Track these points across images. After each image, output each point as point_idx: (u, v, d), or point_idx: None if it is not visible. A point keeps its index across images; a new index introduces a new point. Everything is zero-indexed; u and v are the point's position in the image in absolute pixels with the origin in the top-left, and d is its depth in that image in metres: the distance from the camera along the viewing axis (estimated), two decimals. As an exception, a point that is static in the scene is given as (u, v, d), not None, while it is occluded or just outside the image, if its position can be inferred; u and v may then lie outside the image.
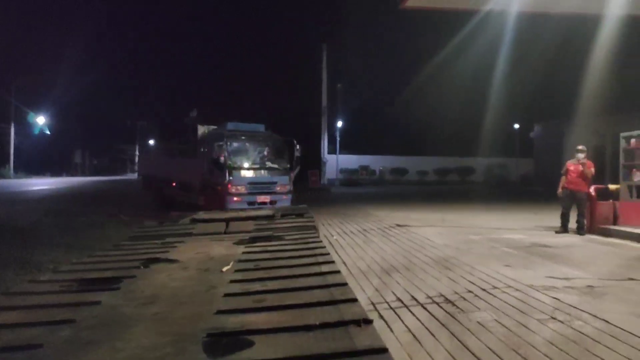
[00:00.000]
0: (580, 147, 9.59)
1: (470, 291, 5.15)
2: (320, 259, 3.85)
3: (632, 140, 9.37)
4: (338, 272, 3.37)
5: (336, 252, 7.97)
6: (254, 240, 5.29)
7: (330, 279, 3.16)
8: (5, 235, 8.92)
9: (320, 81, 33.31)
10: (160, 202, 16.03)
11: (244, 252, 4.50)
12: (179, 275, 3.56)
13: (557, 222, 10.79)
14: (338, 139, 36.44)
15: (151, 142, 43.11)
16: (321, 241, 5.49)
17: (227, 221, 7.20)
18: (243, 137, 13.02)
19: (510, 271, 6.04)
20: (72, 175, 52.18)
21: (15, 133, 41.37)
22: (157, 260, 4.12)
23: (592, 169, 9.34)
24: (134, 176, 54.75)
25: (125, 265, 4.02)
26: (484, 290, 5.18)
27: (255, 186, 12.50)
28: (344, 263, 6.98)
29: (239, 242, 5.23)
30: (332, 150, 36.45)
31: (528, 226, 10.89)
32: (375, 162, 39.85)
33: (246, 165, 12.73)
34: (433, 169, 41.33)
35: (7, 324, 2.50)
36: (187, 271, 3.70)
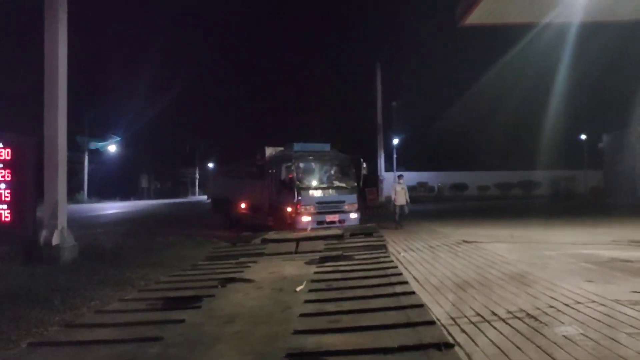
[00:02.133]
0: None
1: (552, 306, 5.12)
2: (393, 279, 4.01)
3: None
4: (413, 292, 3.52)
5: (405, 268, 8.04)
6: (324, 260, 5.53)
7: (405, 301, 3.30)
8: (97, 257, 9.67)
9: (375, 99, 33.54)
10: (230, 223, 16.67)
11: (315, 272, 4.75)
12: (255, 294, 3.84)
13: (633, 235, 10.32)
14: (395, 155, 36.34)
15: (211, 165, 44.61)
16: (392, 260, 5.66)
17: (297, 241, 7.50)
18: (310, 157, 13.35)
19: (592, 286, 5.91)
20: (139, 199, 55.01)
21: (88, 161, 44.51)
22: (233, 280, 4.44)
23: None
24: (195, 198, 56.93)
25: (204, 284, 4.37)
26: (566, 305, 5.12)
27: (324, 205, 12.74)
28: (416, 279, 7.06)
29: (310, 262, 5.49)
30: (389, 168, 36.40)
31: (604, 240, 10.46)
32: (434, 178, 39.32)
33: (314, 185, 13.03)
34: (494, 183, 40.15)
35: (101, 340, 2.84)
36: (262, 291, 3.97)
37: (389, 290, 3.63)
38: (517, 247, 9.85)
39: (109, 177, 50.45)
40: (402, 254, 9.67)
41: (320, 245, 7.09)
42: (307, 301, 3.50)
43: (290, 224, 12.47)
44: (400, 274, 4.24)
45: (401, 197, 15.04)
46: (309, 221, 12.48)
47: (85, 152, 44.42)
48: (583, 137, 42.56)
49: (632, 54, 25.09)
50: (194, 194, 68.49)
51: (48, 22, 9.13)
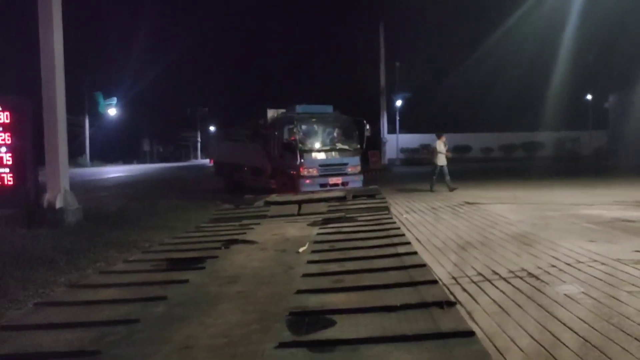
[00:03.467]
0: None
1: (553, 265, 5.15)
2: (396, 240, 3.99)
3: None
4: (415, 253, 3.50)
5: (408, 230, 8.09)
6: (327, 221, 5.53)
7: (408, 260, 3.28)
8: (101, 220, 9.73)
9: (378, 60, 33.00)
10: (232, 186, 16.69)
11: (318, 234, 4.74)
12: (258, 255, 3.85)
13: (636, 195, 10.31)
14: (398, 118, 36.01)
15: (212, 128, 44.38)
16: (395, 222, 5.67)
17: (300, 203, 7.49)
18: (313, 119, 13.20)
19: (594, 246, 5.93)
20: (142, 162, 55.14)
21: (89, 124, 44.32)
22: (236, 242, 4.46)
23: None
24: (197, 162, 57.01)
25: (208, 246, 4.38)
26: (568, 264, 5.15)
27: (327, 168, 12.69)
28: (418, 240, 7.11)
29: (313, 224, 5.49)
30: (391, 130, 36.15)
31: (607, 201, 10.45)
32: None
33: (317, 147, 12.94)
34: (498, 145, 39.91)
35: (106, 300, 2.85)
36: (265, 252, 3.98)
37: (392, 250, 3.62)
38: (520, 208, 9.87)
39: (111, 141, 50.43)
40: (404, 216, 9.71)
41: (322, 207, 7.10)
42: (309, 262, 3.51)
43: (293, 186, 12.48)
44: (403, 235, 4.23)
45: (442, 157, 14.10)
46: (311, 183, 12.48)
47: (85, 115, 44.15)
48: (589, 97, 41.96)
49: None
50: (196, 157, 68.54)
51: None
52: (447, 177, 13.90)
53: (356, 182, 13.15)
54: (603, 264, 5.07)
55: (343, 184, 12.87)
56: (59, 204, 8.88)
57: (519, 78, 39.55)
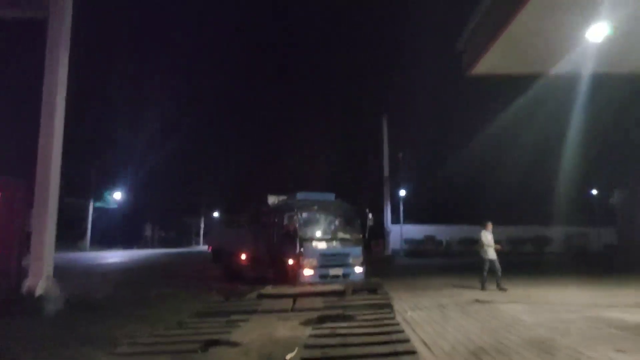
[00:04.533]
0: None
1: (582, 381, 4.46)
2: (399, 347, 3.40)
3: None
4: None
5: (413, 329, 7.37)
6: (322, 320, 4.92)
7: None
8: (84, 310, 9.09)
9: (381, 151, 33.53)
10: (231, 274, 16.03)
11: (310, 335, 4.14)
12: None
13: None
14: (402, 208, 35.79)
15: (216, 214, 44.38)
16: (398, 323, 5.05)
17: (295, 297, 6.88)
18: (314, 207, 12.85)
19: (624, 357, 5.24)
20: (142, 247, 54.39)
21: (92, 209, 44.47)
22: (217, 343, 3.89)
23: None
24: (199, 248, 56.23)
25: (185, 347, 3.81)
26: (599, 381, 4.47)
27: (328, 258, 12.11)
28: (424, 343, 6.39)
29: (306, 322, 4.89)
30: (395, 221, 35.75)
31: (629, 302, 9.71)
32: (442, 232, 38.48)
33: (318, 236, 12.47)
34: (505, 238, 39.19)
35: None
36: (248, 357, 3.42)
37: None
38: (534, 309, 9.13)
39: (113, 226, 50.14)
40: (409, 313, 8.97)
41: (319, 302, 6.46)
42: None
43: (292, 277, 11.84)
44: (408, 341, 3.61)
45: (492, 250, 12.36)
46: (311, 275, 11.84)
47: (90, 201, 44.39)
48: (594, 192, 41.92)
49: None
50: (198, 243, 67.74)
51: (49, 60, 9.03)
52: (499, 274, 12.17)
53: (358, 274, 12.49)
54: (641, 381, 4.39)
55: (344, 275, 12.22)
56: (39, 291, 8.31)
57: (526, 171, 39.79)
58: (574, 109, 24.85)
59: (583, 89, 17.04)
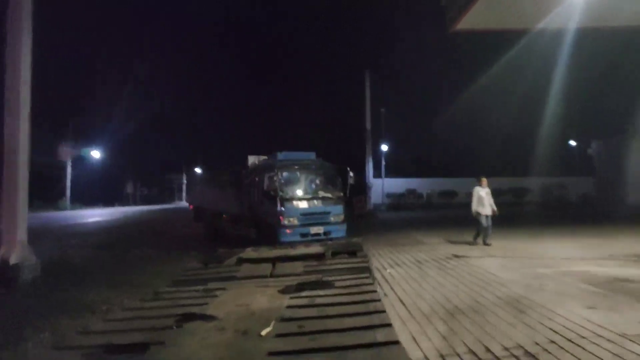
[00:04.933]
0: None
1: (553, 341, 4.58)
2: (376, 319, 3.38)
3: None
4: (397, 342, 2.91)
5: (392, 288, 7.50)
6: (301, 287, 4.90)
7: (387, 354, 2.70)
8: (62, 276, 9.00)
9: (364, 106, 33.13)
10: (213, 234, 16.01)
11: (288, 306, 4.10)
12: (213, 339, 3.21)
13: (630, 248, 9.95)
14: (383, 162, 35.94)
15: (197, 170, 44.04)
16: (376, 290, 5.10)
17: (274, 262, 6.85)
18: (294, 167, 12.71)
19: (594, 315, 5.38)
20: (124, 205, 54.03)
21: (72, 167, 43.64)
22: (193, 317, 3.82)
23: None
24: (182, 204, 56.06)
25: (158, 324, 3.73)
26: (569, 340, 4.58)
27: (309, 217, 12.11)
28: (403, 303, 6.51)
29: (285, 290, 4.87)
30: (377, 175, 35.94)
31: (601, 255, 9.99)
32: (423, 185, 38.88)
33: (298, 195, 12.40)
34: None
35: None
36: (223, 334, 3.35)
37: (370, 336, 2.99)
38: (510, 263, 9.33)
39: (94, 184, 49.52)
40: (388, 270, 9.11)
41: (299, 267, 6.46)
42: (271, 353, 2.88)
43: (273, 236, 11.87)
44: (384, 312, 3.59)
45: (487, 206, 12.04)
46: (292, 234, 11.89)
47: (68, 159, 43.48)
48: (573, 143, 42.50)
49: (628, 59, 24.93)
50: (180, 199, 67.52)
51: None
52: (489, 230, 12.02)
53: (339, 232, 12.58)
54: (608, 340, 4.50)
55: (325, 233, 12.29)
56: (13, 260, 8.15)
57: (507, 123, 40.04)
58: (555, 63, 24.75)
59: (565, 43, 16.87)
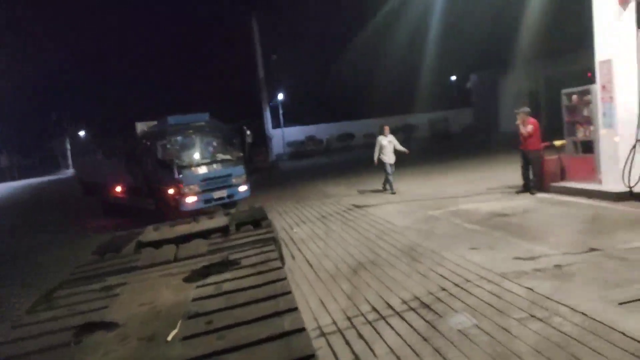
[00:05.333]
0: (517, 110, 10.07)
1: (443, 289, 5.08)
2: (282, 302, 3.48)
3: (574, 97, 9.58)
4: (303, 329, 3.05)
5: (299, 249, 7.76)
6: (206, 272, 4.85)
7: (295, 343, 2.83)
8: None
9: (254, 54, 32.24)
10: (108, 209, 15.09)
11: (194, 299, 4.06)
12: (116, 353, 3.08)
13: (504, 179, 11.16)
14: (281, 111, 35.76)
15: (82, 133, 40.51)
16: (282, 268, 5.18)
17: (177, 243, 6.66)
18: (188, 131, 12.13)
19: (477, 256, 6.02)
20: (1, 181, 48.61)
21: None
22: (93, 327, 3.58)
23: (530, 127, 9.65)
24: (68, 173, 51.74)
25: (53, 341, 3.44)
26: (457, 285, 5.11)
27: (209, 182, 11.80)
28: (310, 264, 6.79)
29: (190, 277, 4.79)
30: (277, 125, 35.81)
31: (480, 190, 11.06)
32: (321, 130, 39.57)
33: (196, 160, 11.97)
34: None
35: None
36: (126, 343, 3.20)
37: (278, 324, 3.05)
38: (404, 208, 10.02)
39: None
40: (294, 229, 9.36)
41: (203, 245, 6.29)
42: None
43: (174, 206, 11.49)
44: (289, 293, 3.67)
45: (390, 154, 12.44)
46: (195, 201, 11.59)
47: None
48: (453, 78, 45.36)
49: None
50: (66, 167, 62.11)
51: None
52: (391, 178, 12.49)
53: (243, 193, 12.51)
54: (490, 281, 5.10)
55: (229, 196, 12.15)
56: None
57: (396, 64, 41.33)
58: (435, 4, 25.82)
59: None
